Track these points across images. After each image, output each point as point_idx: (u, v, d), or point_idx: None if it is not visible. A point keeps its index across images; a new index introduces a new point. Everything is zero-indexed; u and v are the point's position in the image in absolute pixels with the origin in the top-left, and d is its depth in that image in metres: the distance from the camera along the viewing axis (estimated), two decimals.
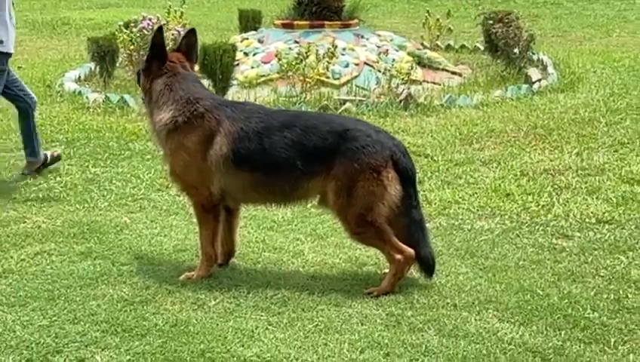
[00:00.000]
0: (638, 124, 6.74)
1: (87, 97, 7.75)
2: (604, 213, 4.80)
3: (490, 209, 4.96)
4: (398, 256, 3.70)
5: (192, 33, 4.07)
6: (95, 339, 3.27)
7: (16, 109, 5.62)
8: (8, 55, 5.35)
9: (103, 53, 8.45)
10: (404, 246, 3.71)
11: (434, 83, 8.53)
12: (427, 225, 4.55)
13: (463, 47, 10.58)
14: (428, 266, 3.80)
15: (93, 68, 8.78)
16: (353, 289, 3.77)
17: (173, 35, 8.95)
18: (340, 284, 3.84)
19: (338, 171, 3.66)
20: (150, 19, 8.61)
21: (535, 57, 9.09)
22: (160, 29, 3.98)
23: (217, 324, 3.39)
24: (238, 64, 8.44)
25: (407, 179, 3.73)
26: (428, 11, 10.44)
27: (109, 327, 3.35)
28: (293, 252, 4.23)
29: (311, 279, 3.90)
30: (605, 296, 3.68)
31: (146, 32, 8.40)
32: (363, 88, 7.99)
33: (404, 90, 7.68)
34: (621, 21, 12.88)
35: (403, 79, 7.85)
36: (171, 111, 3.81)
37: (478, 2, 10.70)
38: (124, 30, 8.52)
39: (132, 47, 8.41)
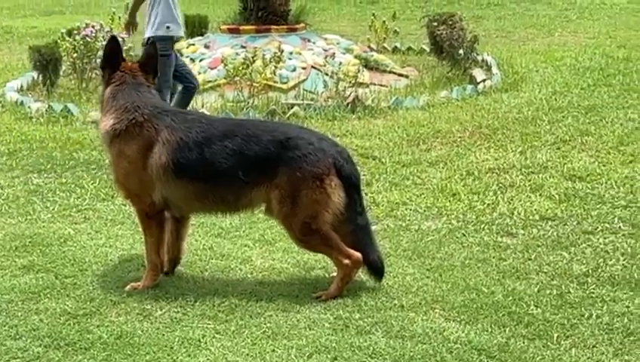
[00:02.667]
0: (580, 121, 6.88)
1: (29, 107, 7.59)
2: (547, 209, 4.90)
3: (437, 209, 5.01)
4: (346, 261, 3.71)
5: (152, 45, 4.09)
6: (37, 355, 3.20)
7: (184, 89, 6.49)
8: (172, 39, 6.20)
9: (46, 62, 8.28)
10: (351, 251, 3.74)
11: (381, 85, 8.59)
12: (375, 227, 4.61)
13: (409, 49, 10.68)
14: (377, 270, 3.83)
15: (35, 77, 8.60)
16: (301, 294, 3.77)
17: None
18: (288, 289, 3.83)
19: (281, 180, 3.66)
20: (93, 27, 8.49)
21: (479, 58, 9.22)
22: (112, 38, 3.98)
23: (163, 334, 3.35)
24: None
25: (351, 185, 3.75)
26: (374, 14, 10.50)
27: (51, 342, 3.29)
28: (241, 258, 4.21)
29: (259, 285, 3.89)
30: (548, 292, 3.76)
31: (89, 40, 8.28)
32: (310, 92, 8.00)
33: (351, 92, 7.72)
34: (563, 21, 13.15)
35: (350, 82, 7.88)
36: (112, 120, 3.79)
37: (423, 5, 10.83)
38: (67, 38, 8.38)
39: (75, 55, 8.28)
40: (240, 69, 7.74)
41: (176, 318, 3.50)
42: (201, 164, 3.69)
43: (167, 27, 6.07)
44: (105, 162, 6.03)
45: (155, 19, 6.19)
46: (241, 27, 9.04)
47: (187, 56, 8.64)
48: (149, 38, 6.16)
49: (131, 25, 6.96)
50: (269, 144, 3.68)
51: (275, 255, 4.26)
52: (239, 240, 4.47)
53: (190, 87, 6.79)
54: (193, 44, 9.09)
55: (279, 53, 7.88)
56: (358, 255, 3.73)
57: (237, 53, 8.31)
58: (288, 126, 4.30)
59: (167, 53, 6.05)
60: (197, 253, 4.26)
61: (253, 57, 7.73)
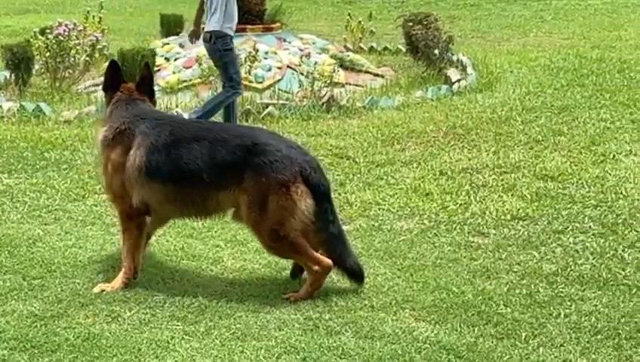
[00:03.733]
0: (552, 121, 6.94)
1: (0, 106, 7.50)
2: (518, 209, 4.92)
3: (409, 209, 5.02)
4: (316, 267, 3.72)
5: (145, 67, 4.35)
6: (2, 357, 3.15)
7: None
8: (231, 35, 6.61)
9: (18, 61, 8.20)
10: (321, 257, 3.74)
11: (357, 85, 8.61)
12: (347, 227, 4.62)
13: (385, 49, 10.70)
14: (356, 275, 3.83)
15: (7, 76, 8.50)
16: (272, 295, 3.76)
17: (91, 40, 8.78)
18: (258, 290, 3.82)
19: (248, 185, 3.68)
20: (66, 25, 8.42)
21: (455, 58, 9.27)
22: (113, 62, 4.28)
23: (131, 336, 3.32)
24: (159, 70, 8.35)
25: (320, 194, 3.74)
26: (350, 14, 10.51)
27: (17, 344, 3.24)
28: (212, 259, 4.19)
29: (229, 286, 3.87)
30: (518, 292, 3.77)
31: (62, 39, 8.20)
32: (286, 92, 8.00)
33: (326, 92, 7.72)
34: (538, 21, 13.25)
35: (325, 82, 7.88)
36: (104, 131, 4.05)
37: (399, 5, 10.86)
38: (40, 37, 8.30)
39: (48, 54, 8.20)
40: (214, 68, 7.70)
41: (144, 320, 3.47)
42: (169, 166, 3.77)
43: (227, 25, 6.56)
44: (76, 162, 5.99)
45: (217, 16, 6.58)
46: None
47: (162, 55, 8.60)
48: (209, 33, 6.60)
49: (195, 34, 7.19)
50: (236, 149, 3.72)
51: (247, 255, 4.24)
52: (211, 241, 4.45)
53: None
54: (168, 43, 9.04)
55: (254, 53, 7.86)
56: (328, 261, 3.74)
57: None
58: (260, 132, 4.30)
59: (230, 47, 6.65)
60: (168, 254, 4.23)
61: None
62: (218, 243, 4.42)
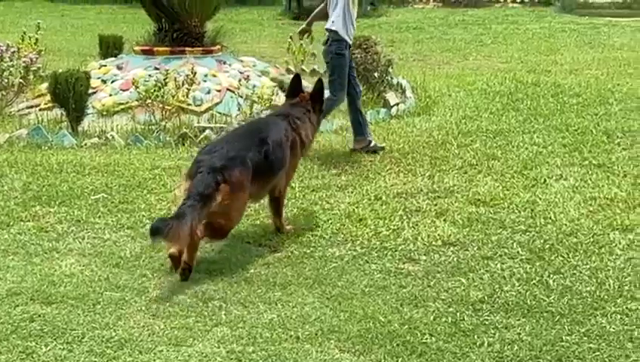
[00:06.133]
0: (487, 145, 7.03)
1: None
2: (449, 235, 4.95)
3: (342, 235, 5.00)
4: None
5: (319, 82, 5.40)
6: None
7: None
8: (347, 41, 6.70)
9: None
10: None
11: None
12: (279, 254, 4.60)
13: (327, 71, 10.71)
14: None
15: None
16: (196, 327, 3.68)
17: (24, 62, 8.60)
18: (182, 322, 3.74)
19: None
20: (0, 46, 8.23)
21: (394, 81, 9.34)
22: (297, 75, 5.46)
23: None
24: (95, 92, 8.20)
25: None
26: (291, 36, 10.52)
27: None
28: (137, 289, 4.10)
29: (153, 317, 3.78)
30: (444, 320, 3.78)
31: None
32: (224, 114, 7.93)
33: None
34: (478, 45, 13.49)
35: (265, 105, 7.85)
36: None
37: None
38: None
39: None
40: (152, 91, 7.61)
41: (60, 356, 3.36)
42: None
43: (345, 29, 6.63)
44: (3, 188, 5.81)
45: (338, 20, 6.66)
46: (156, 48, 8.89)
47: (98, 77, 8.45)
48: (330, 30, 6.70)
49: (307, 32, 7.33)
50: None
51: (174, 286, 4.15)
52: (138, 270, 4.35)
53: (352, 93, 6.96)
54: (105, 65, 8.89)
55: (192, 76, 7.79)
56: None
57: (150, 75, 8.17)
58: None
59: (342, 53, 6.72)
60: (91, 285, 4.12)
61: (164, 79, 7.62)
62: (145, 272, 4.33)
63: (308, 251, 4.72)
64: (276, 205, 4.97)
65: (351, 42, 6.85)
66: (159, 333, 3.59)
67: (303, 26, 7.41)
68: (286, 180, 5.01)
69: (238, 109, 7.95)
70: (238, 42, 13.71)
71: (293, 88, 5.26)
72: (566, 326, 3.67)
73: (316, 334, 3.62)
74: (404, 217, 5.31)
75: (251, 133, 4.82)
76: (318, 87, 5.32)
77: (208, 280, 4.23)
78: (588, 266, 4.37)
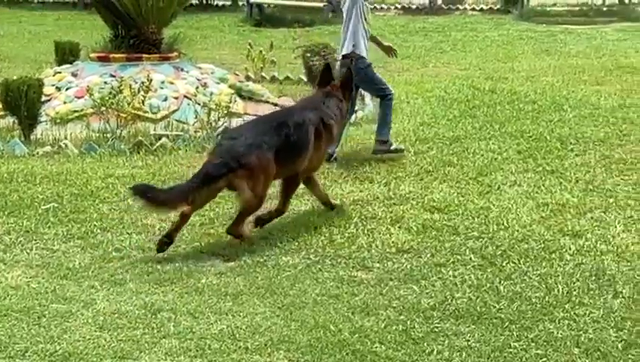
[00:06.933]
0: (443, 152, 7.06)
1: None
2: (404, 242, 4.96)
3: (297, 243, 4.98)
4: None
5: (348, 71, 5.95)
6: None
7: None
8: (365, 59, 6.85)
9: None
10: None
11: (255, 115, 8.54)
12: (231, 264, 4.56)
13: (287, 78, 10.72)
14: None
15: None
16: (143, 339, 3.63)
17: None
18: (130, 334, 3.68)
19: None
20: None
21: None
22: (327, 65, 5.89)
23: None
24: (50, 99, 8.08)
25: None
26: (250, 43, 10.49)
27: None
28: (84, 301, 4.02)
29: (99, 330, 3.71)
30: (394, 328, 3.77)
31: None
32: (182, 122, 7.86)
33: (223, 123, 7.63)
34: (437, 52, 13.56)
35: (222, 112, 7.79)
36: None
37: (294, 36, 10.92)
38: None
39: None
40: (107, 98, 7.51)
41: None
42: None
43: (353, 45, 6.78)
44: None
45: (351, 38, 6.82)
46: (111, 55, 8.78)
47: (53, 85, 8.32)
48: (346, 56, 6.83)
49: (391, 49, 7.65)
50: None
51: (122, 297, 4.09)
52: (86, 282, 4.28)
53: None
54: (60, 72, 8.76)
55: (147, 83, 7.71)
56: None
57: (105, 82, 8.07)
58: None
59: (368, 63, 6.92)
60: (37, 297, 4.04)
61: (119, 87, 7.52)
62: (93, 283, 4.26)
63: (261, 260, 4.69)
64: (295, 188, 5.41)
65: (365, 54, 6.97)
66: (105, 346, 3.52)
67: (385, 46, 7.62)
68: (315, 163, 5.42)
69: (195, 117, 7.90)
70: (198, 49, 13.63)
71: (324, 77, 5.64)
72: (514, 333, 3.70)
73: (266, 344, 3.59)
74: (360, 224, 5.30)
75: (271, 119, 5.45)
76: (348, 75, 5.78)
77: (158, 290, 4.18)
78: (538, 272, 4.41)
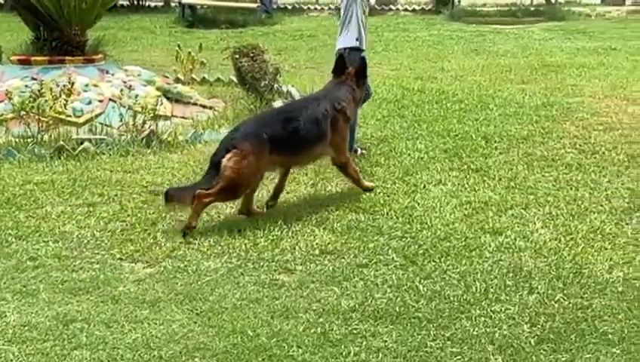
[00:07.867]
0: (371, 152, 7.08)
1: None
2: (327, 243, 4.94)
3: (220, 247, 4.90)
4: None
5: (361, 60, 6.25)
6: None
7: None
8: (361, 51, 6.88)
9: None
10: None
11: (184, 118, 8.43)
12: (150, 270, 4.45)
13: (218, 80, 10.62)
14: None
15: None
16: (53, 351, 3.51)
17: None
18: (39, 346, 3.56)
19: None
20: None
21: (284, 89, 9.32)
22: (341, 56, 6.26)
23: None
24: None
25: None
26: (179, 45, 10.34)
27: None
28: None
29: (7, 343, 3.58)
30: (313, 331, 3.74)
31: None
32: (106, 125, 7.69)
33: (149, 126, 7.49)
34: (369, 52, 13.57)
35: (148, 115, 7.65)
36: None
37: (222, 37, 10.82)
38: None
39: None
40: (27, 102, 7.29)
41: None
42: None
43: (356, 39, 6.84)
44: None
45: (349, 33, 6.90)
46: (33, 58, 8.54)
47: None
48: (345, 49, 6.87)
49: None
50: None
51: (34, 308, 3.96)
52: None
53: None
54: None
55: (69, 86, 7.51)
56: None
57: (26, 86, 7.84)
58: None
59: (362, 56, 6.87)
60: None
61: (40, 90, 7.31)
62: (4, 295, 4.11)
63: (182, 265, 4.61)
64: (345, 173, 5.89)
65: (364, 48, 7.07)
66: (13, 360, 3.39)
67: None
68: (341, 149, 5.79)
69: (120, 120, 7.73)
70: (129, 50, 13.42)
71: (339, 66, 5.98)
72: (432, 331, 3.71)
73: (181, 352, 3.51)
74: (284, 227, 5.26)
75: (278, 113, 5.92)
76: (362, 63, 6.11)
77: (72, 300, 4.06)
78: (458, 270, 4.45)
